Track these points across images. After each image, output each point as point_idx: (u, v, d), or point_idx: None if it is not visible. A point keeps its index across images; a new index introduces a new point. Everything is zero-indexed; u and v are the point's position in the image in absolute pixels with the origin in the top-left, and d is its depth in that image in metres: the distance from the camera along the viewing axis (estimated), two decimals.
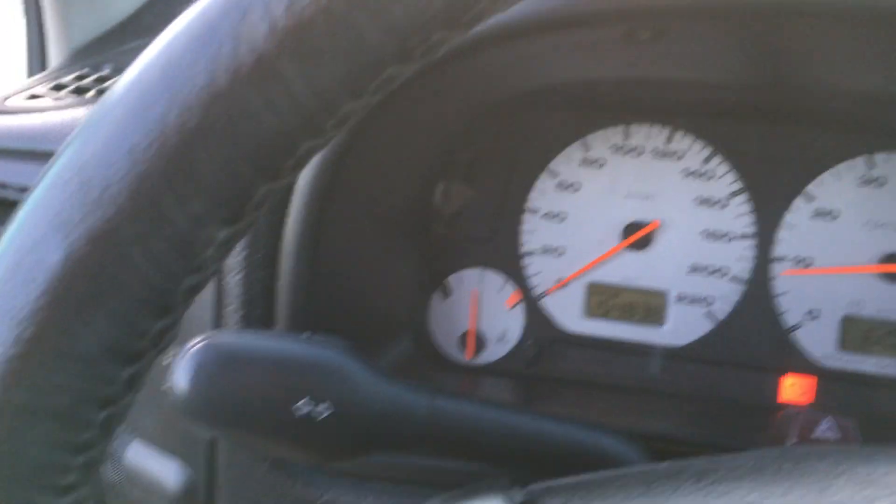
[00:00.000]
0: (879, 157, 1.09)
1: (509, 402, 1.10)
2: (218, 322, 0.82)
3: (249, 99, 0.33)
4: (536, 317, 1.14)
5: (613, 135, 1.13)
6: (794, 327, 1.10)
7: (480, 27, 0.64)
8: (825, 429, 0.74)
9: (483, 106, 1.05)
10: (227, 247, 0.37)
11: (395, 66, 0.35)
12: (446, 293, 1.15)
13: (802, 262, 1.10)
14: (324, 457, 0.66)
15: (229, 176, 0.34)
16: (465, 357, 1.15)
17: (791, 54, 0.92)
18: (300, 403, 0.61)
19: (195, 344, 0.62)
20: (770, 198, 1.10)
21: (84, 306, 0.34)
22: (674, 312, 1.13)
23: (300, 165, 0.37)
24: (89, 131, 0.34)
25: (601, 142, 1.13)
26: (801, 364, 1.09)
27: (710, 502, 0.39)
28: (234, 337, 0.63)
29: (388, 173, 0.94)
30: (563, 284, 1.14)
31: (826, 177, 1.09)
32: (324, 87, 0.34)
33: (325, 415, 0.62)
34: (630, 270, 1.13)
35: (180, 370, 0.61)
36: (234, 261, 0.80)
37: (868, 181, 1.09)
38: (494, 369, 1.14)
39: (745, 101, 1.07)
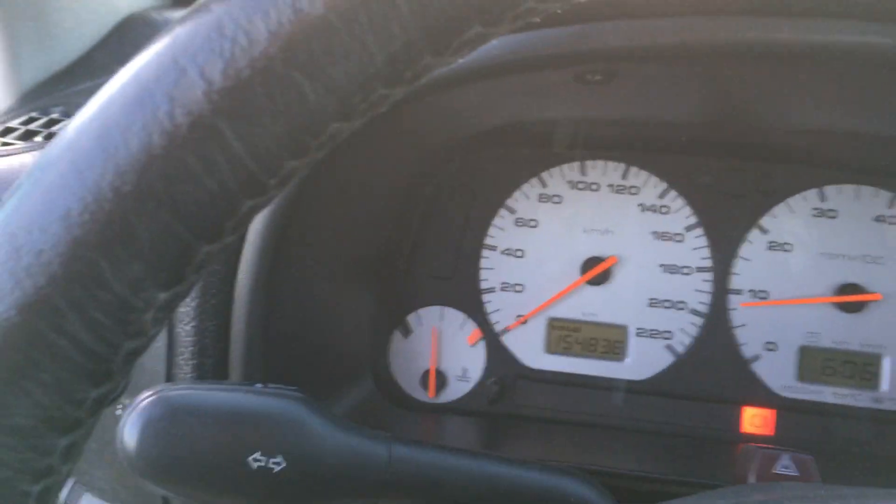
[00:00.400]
0: (830, 190, 1.11)
1: (473, 440, 1.09)
2: (170, 372, 0.80)
3: (187, 161, 0.32)
4: (498, 354, 1.14)
5: (570, 171, 1.14)
6: (753, 359, 1.11)
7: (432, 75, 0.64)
8: (784, 466, 0.74)
9: (438, 147, 1.05)
10: (167, 310, 0.36)
11: (338, 123, 0.35)
12: (406, 332, 1.14)
13: (759, 294, 1.11)
14: None
15: (168, 239, 0.33)
16: (428, 396, 1.14)
17: (742, 94, 0.94)
18: (254, 456, 0.60)
19: (145, 398, 0.60)
20: (725, 231, 1.12)
21: (17, 377, 0.33)
22: (634, 346, 1.13)
23: (242, 225, 0.36)
24: (22, 195, 0.33)
25: (558, 178, 1.14)
26: (761, 395, 1.10)
27: None
28: (184, 390, 0.61)
29: (344, 216, 0.94)
30: (523, 321, 1.14)
31: (779, 210, 1.11)
32: (264, 148, 0.33)
33: (281, 467, 0.60)
34: (590, 305, 1.13)
35: (129, 425, 0.59)
36: (186, 310, 0.78)
37: (820, 213, 1.11)
38: (457, 407, 1.13)
39: (697, 138, 1.09)
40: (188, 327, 0.79)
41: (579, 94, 0.82)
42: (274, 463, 0.59)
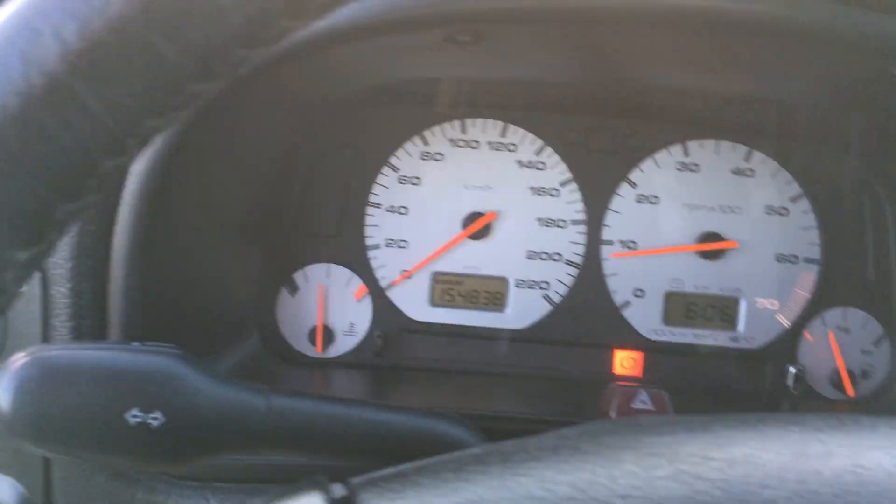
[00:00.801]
0: (692, 146, 1.18)
1: (360, 393, 1.12)
2: (46, 335, 0.80)
3: (43, 121, 0.33)
4: (384, 308, 1.17)
5: (451, 129, 1.17)
6: (623, 305, 1.18)
7: (303, 33, 0.65)
8: (641, 401, 0.81)
9: (318, 106, 1.06)
10: (27, 269, 0.37)
11: (198, 83, 0.36)
12: (293, 290, 1.16)
13: (628, 245, 1.18)
14: (162, 464, 0.66)
15: (25, 198, 0.34)
16: (316, 351, 1.16)
17: (608, 55, 0.98)
18: (132, 413, 0.61)
19: (17, 359, 0.60)
20: (597, 186, 1.18)
21: None
22: (514, 297, 1.18)
23: (106, 184, 0.37)
24: None
25: (439, 136, 1.17)
26: (631, 339, 1.18)
27: (512, 482, 0.43)
28: (58, 350, 0.61)
29: (224, 175, 0.94)
30: (408, 275, 1.17)
31: (646, 164, 1.18)
32: (122, 108, 0.34)
33: (159, 422, 0.61)
34: (472, 259, 1.18)
35: (2, 388, 0.59)
36: (61, 271, 0.77)
37: (684, 167, 1.18)
38: (345, 361, 1.16)
39: (569, 97, 1.14)
40: (63, 289, 0.78)
41: (451, 54, 0.84)
42: (152, 419, 0.60)
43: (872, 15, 0.74)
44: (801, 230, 1.17)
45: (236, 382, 0.67)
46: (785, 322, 1.17)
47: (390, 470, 0.46)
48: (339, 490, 0.44)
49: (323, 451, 0.71)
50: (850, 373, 1.16)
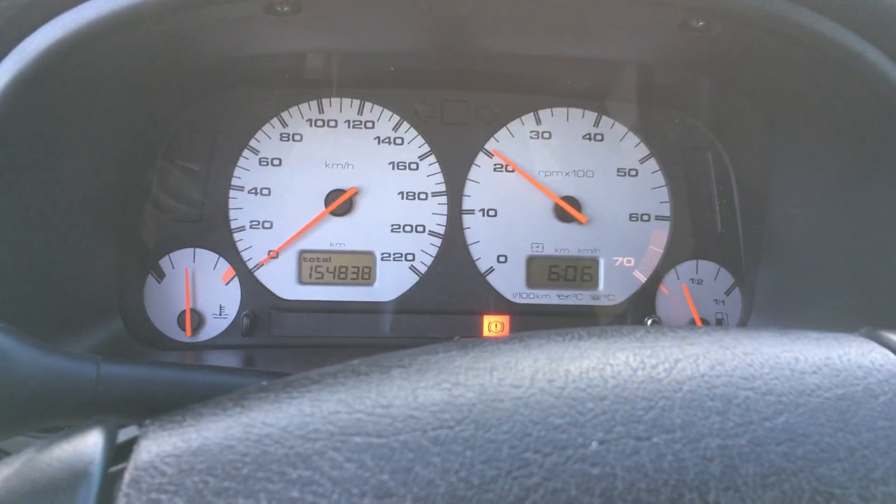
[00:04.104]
0: (544, 114, 1.23)
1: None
2: None
3: None
4: (252, 289, 1.19)
5: (308, 109, 1.20)
6: (488, 272, 1.22)
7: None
8: None
9: (165, 89, 1.07)
10: None
11: None
12: (160, 276, 1.17)
13: (489, 213, 1.22)
14: None
15: None
16: (186, 335, 1.17)
17: (452, 24, 1.01)
18: None
19: None
20: (455, 157, 1.22)
21: None
22: (382, 270, 1.21)
23: None
24: None
25: (297, 117, 1.20)
26: (497, 304, 1.22)
27: (286, 403, 0.45)
28: None
29: (72, 158, 0.94)
30: (274, 255, 1.19)
31: (501, 134, 1.22)
32: None
33: None
34: (337, 236, 1.20)
35: None
36: None
37: (537, 135, 1.23)
38: (216, 343, 1.18)
39: (423, 72, 1.17)
40: None
41: (275, 27, 0.86)
42: None
43: None
44: (651, 190, 1.23)
45: (64, 353, 0.67)
46: (642, 278, 1.23)
47: (184, 409, 0.47)
48: (132, 432, 0.45)
49: (156, 415, 0.72)
50: (705, 321, 1.22)
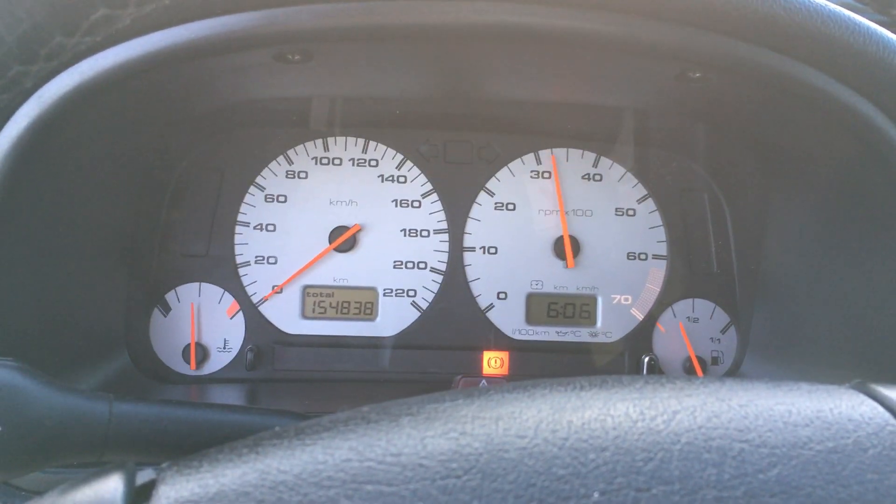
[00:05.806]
0: (544, 154, 1.26)
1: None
2: None
3: None
4: (256, 323, 1.20)
5: (314, 148, 1.23)
6: (488, 308, 1.24)
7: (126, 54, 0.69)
8: None
9: (175, 129, 1.09)
10: None
11: None
12: (166, 310, 1.18)
13: (489, 250, 1.24)
14: (3, 472, 0.67)
15: None
16: (190, 369, 1.18)
17: (449, 72, 1.04)
18: None
19: None
20: (457, 195, 1.24)
21: None
22: (384, 306, 1.23)
23: None
24: None
25: (303, 155, 1.22)
26: (497, 340, 1.24)
27: (299, 450, 0.46)
28: None
29: (84, 197, 0.96)
30: (279, 290, 1.21)
31: (502, 174, 1.25)
32: None
33: None
34: (341, 271, 1.22)
35: None
36: None
37: (537, 175, 1.25)
38: (220, 377, 1.19)
39: (426, 113, 1.20)
40: None
41: (284, 74, 0.89)
42: None
43: (666, 24, 0.82)
44: (649, 230, 1.26)
45: (78, 391, 0.68)
46: (639, 315, 1.25)
47: (199, 454, 0.48)
48: (148, 475, 0.46)
49: (169, 454, 0.73)
50: (701, 359, 1.24)
